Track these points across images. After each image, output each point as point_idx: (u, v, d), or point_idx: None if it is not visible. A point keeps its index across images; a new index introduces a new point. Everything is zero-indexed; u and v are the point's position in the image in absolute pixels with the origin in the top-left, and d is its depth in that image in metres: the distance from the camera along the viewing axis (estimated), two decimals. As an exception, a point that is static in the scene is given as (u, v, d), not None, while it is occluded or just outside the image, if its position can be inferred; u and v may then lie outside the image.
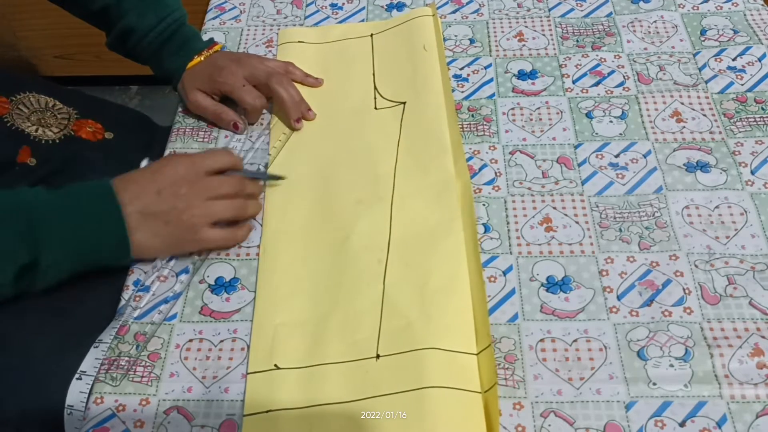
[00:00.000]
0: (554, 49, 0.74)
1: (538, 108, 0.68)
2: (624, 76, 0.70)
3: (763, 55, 0.71)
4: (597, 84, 0.70)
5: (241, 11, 0.82)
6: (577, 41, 0.74)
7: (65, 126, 0.64)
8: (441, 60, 0.72)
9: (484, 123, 0.67)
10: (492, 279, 0.56)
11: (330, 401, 0.49)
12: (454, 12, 0.79)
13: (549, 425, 0.48)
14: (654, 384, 0.49)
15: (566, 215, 0.60)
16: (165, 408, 0.50)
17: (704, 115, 0.66)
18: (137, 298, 0.56)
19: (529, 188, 0.62)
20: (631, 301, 0.54)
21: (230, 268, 0.58)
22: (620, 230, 0.58)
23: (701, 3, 0.77)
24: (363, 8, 0.80)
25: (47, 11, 0.75)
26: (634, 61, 0.72)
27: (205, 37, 0.76)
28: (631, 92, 0.69)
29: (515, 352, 0.52)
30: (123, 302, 0.56)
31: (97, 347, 0.53)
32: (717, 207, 0.59)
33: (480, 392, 0.49)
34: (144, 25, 0.68)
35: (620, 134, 0.65)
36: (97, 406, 0.50)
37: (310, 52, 0.75)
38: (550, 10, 0.78)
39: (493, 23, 0.77)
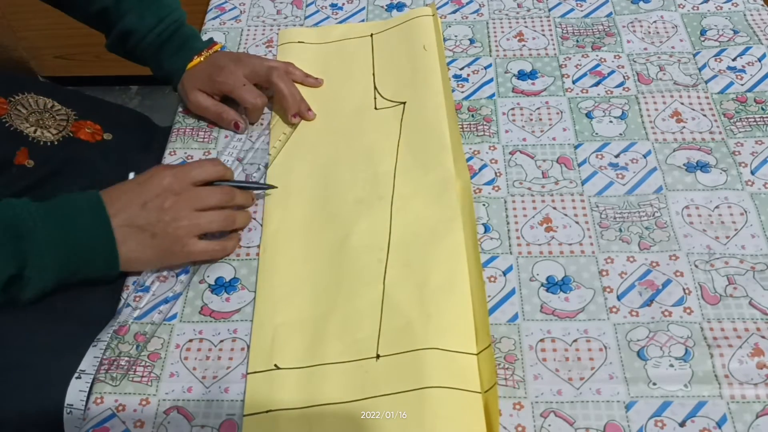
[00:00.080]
0: (554, 49, 0.74)
1: (538, 108, 0.68)
2: (624, 76, 0.70)
3: (763, 55, 0.71)
4: (597, 84, 0.70)
5: (241, 11, 0.82)
6: (577, 41, 0.74)
7: (64, 127, 0.64)
8: (441, 60, 0.72)
9: (484, 123, 0.67)
10: (492, 279, 0.56)
11: (330, 401, 0.49)
12: (454, 12, 0.79)
13: (549, 425, 0.48)
14: (654, 384, 0.49)
15: (566, 215, 0.60)
16: (165, 408, 0.50)
17: (704, 115, 0.66)
18: (137, 299, 0.56)
19: (529, 188, 0.62)
20: (631, 301, 0.54)
21: (230, 268, 0.58)
22: (620, 230, 0.58)
23: (701, 3, 0.77)
24: (363, 8, 0.80)
25: (47, 11, 0.75)
26: (634, 61, 0.72)
27: (204, 37, 0.76)
28: (631, 92, 0.69)
29: (515, 352, 0.52)
30: (122, 302, 0.56)
31: (95, 346, 0.53)
32: (717, 207, 0.59)
33: (480, 392, 0.49)
34: (143, 26, 0.68)
35: (620, 134, 0.65)
36: (97, 406, 0.50)
37: (310, 53, 0.75)
38: (550, 10, 0.78)
39: (493, 23, 0.77)
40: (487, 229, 0.59)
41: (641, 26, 0.75)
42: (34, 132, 0.61)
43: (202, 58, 0.69)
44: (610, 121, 0.67)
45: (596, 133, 0.66)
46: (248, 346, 0.53)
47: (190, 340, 0.54)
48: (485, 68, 0.73)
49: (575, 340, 0.52)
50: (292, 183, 0.63)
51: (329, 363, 0.51)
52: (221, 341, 0.54)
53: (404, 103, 0.68)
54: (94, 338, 0.55)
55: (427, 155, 0.63)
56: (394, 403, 0.49)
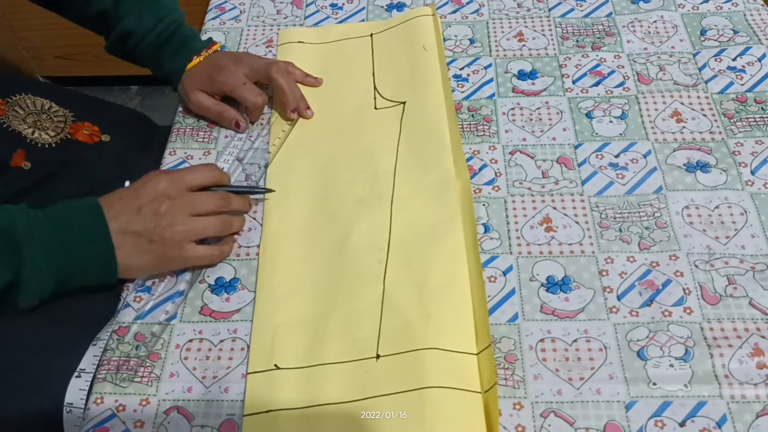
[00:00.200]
0: (554, 49, 0.74)
1: (538, 108, 0.68)
2: (624, 76, 0.70)
3: (763, 55, 0.71)
4: (597, 84, 0.70)
5: (241, 11, 0.82)
6: (577, 41, 0.74)
7: (62, 129, 0.64)
8: (441, 60, 0.72)
9: (484, 123, 0.67)
10: (492, 279, 0.56)
11: (330, 401, 0.49)
12: (454, 12, 0.79)
13: (549, 425, 0.48)
14: (654, 384, 0.49)
15: (566, 215, 0.60)
16: (165, 408, 0.50)
17: (704, 115, 0.66)
18: (137, 299, 0.56)
19: (529, 188, 0.62)
20: (631, 301, 0.54)
21: (230, 268, 0.58)
22: (620, 230, 0.58)
23: (701, 3, 0.77)
24: (363, 8, 0.80)
25: (47, 11, 0.75)
26: (634, 61, 0.72)
27: (204, 37, 0.76)
28: (631, 92, 0.69)
29: (515, 352, 0.52)
30: (122, 302, 0.56)
31: (95, 345, 0.54)
32: (717, 207, 0.59)
33: (480, 392, 0.49)
34: (142, 27, 0.68)
35: (620, 134, 0.65)
36: (97, 406, 0.50)
37: (310, 52, 0.75)
38: (550, 10, 0.78)
39: (493, 23, 0.77)
40: (487, 229, 0.59)
41: (641, 26, 0.75)
42: (32, 134, 0.61)
43: (201, 58, 0.69)
44: (610, 121, 0.67)
45: (596, 133, 0.66)
46: (248, 346, 0.53)
47: (190, 340, 0.54)
48: (485, 68, 0.73)
49: (575, 340, 0.52)
50: (292, 183, 0.63)
51: (329, 363, 0.51)
52: (221, 341, 0.54)
53: (404, 103, 0.68)
54: (93, 338, 0.55)
55: (427, 155, 0.63)
56: (394, 403, 0.49)
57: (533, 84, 0.71)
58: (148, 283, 0.57)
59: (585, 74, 0.71)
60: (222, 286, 0.57)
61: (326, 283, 0.56)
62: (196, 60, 0.69)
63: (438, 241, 0.57)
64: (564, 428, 0.48)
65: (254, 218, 0.61)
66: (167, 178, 0.56)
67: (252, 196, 0.62)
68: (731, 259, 0.56)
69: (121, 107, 0.78)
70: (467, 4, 0.80)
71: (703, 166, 0.62)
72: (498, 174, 0.63)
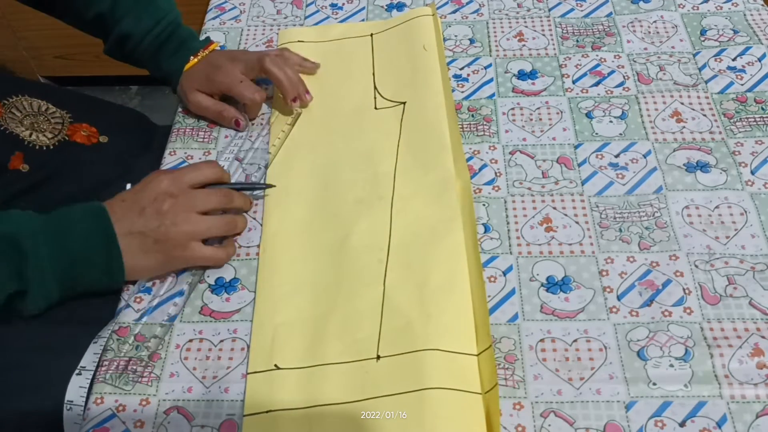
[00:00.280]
0: (554, 49, 0.74)
1: (538, 108, 0.68)
2: (624, 76, 0.70)
3: (763, 55, 0.71)
4: (597, 84, 0.70)
5: (241, 11, 0.82)
6: (577, 41, 0.74)
7: (59, 131, 0.63)
8: (441, 60, 0.72)
9: (484, 123, 0.67)
10: (492, 279, 0.56)
11: (330, 402, 0.49)
12: (454, 12, 0.79)
13: (549, 425, 0.48)
14: (654, 384, 0.49)
15: (566, 215, 0.60)
16: (165, 408, 0.50)
17: (704, 115, 0.66)
18: (138, 300, 0.56)
19: (529, 188, 0.62)
20: (631, 301, 0.54)
21: (230, 268, 0.58)
22: (620, 230, 0.58)
23: (701, 3, 0.77)
24: (363, 8, 0.80)
25: (47, 12, 0.75)
26: (634, 61, 0.72)
27: (204, 37, 0.76)
28: (631, 92, 0.69)
29: (515, 352, 0.52)
30: (122, 303, 0.56)
31: (96, 342, 0.54)
32: (717, 207, 0.59)
33: (480, 393, 0.49)
34: (140, 29, 0.68)
35: (620, 134, 0.65)
36: (97, 406, 0.50)
37: (309, 51, 0.75)
38: (550, 10, 0.78)
39: (493, 23, 0.77)
40: (487, 229, 0.59)
41: (641, 26, 0.75)
42: (30, 136, 0.61)
43: (198, 59, 0.69)
44: (610, 121, 0.67)
45: (596, 133, 0.66)
46: (248, 346, 0.53)
47: (190, 340, 0.54)
48: (485, 68, 0.73)
49: (575, 340, 0.52)
50: (292, 183, 0.63)
51: (329, 363, 0.51)
52: (221, 341, 0.54)
53: (404, 103, 0.68)
54: (91, 339, 0.55)
55: (427, 155, 0.63)
56: (395, 403, 0.49)
57: (533, 84, 0.71)
58: (149, 283, 0.57)
59: (585, 74, 0.71)
60: (222, 286, 0.57)
61: (326, 283, 0.56)
62: (193, 60, 0.69)
63: (438, 242, 0.57)
64: (564, 428, 0.48)
65: (254, 218, 0.61)
66: (168, 177, 0.56)
67: (252, 195, 0.62)
68: (731, 259, 0.56)
69: (119, 107, 0.78)
70: (467, 4, 0.80)
71: (703, 166, 0.62)
72: (498, 174, 0.63)
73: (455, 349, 0.51)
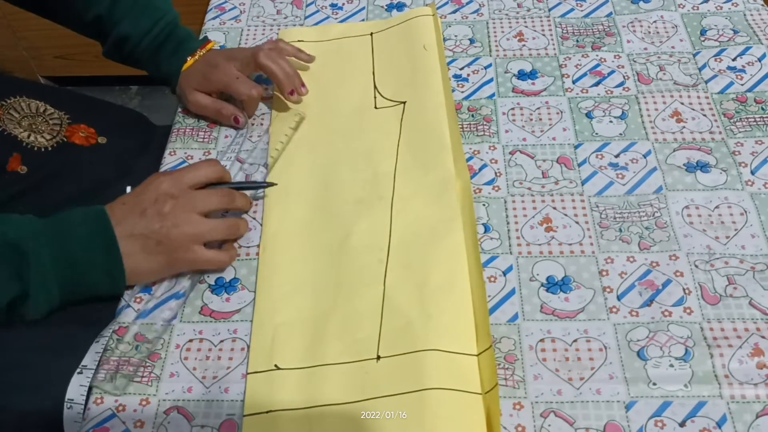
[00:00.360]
0: (554, 49, 0.74)
1: (538, 108, 0.68)
2: (624, 76, 0.70)
3: (763, 55, 0.71)
4: (597, 84, 0.70)
5: (241, 11, 0.82)
6: (577, 41, 0.74)
7: (57, 132, 0.63)
8: (441, 60, 0.72)
9: (484, 123, 0.67)
10: (492, 279, 0.56)
11: (330, 402, 0.49)
12: (454, 12, 0.79)
13: (549, 425, 0.48)
14: (654, 384, 0.49)
15: (566, 215, 0.60)
16: (165, 408, 0.50)
17: (704, 115, 0.66)
18: (138, 300, 0.56)
19: (529, 188, 0.62)
20: (631, 301, 0.54)
21: (230, 268, 0.58)
22: (620, 230, 0.58)
23: (701, 3, 0.77)
24: (363, 8, 0.80)
25: (47, 12, 0.75)
26: (634, 61, 0.72)
27: (202, 37, 0.76)
28: (631, 92, 0.69)
29: (515, 352, 0.52)
30: (123, 303, 0.56)
31: (98, 342, 0.54)
32: (717, 207, 0.59)
33: (481, 394, 0.49)
34: (138, 30, 0.68)
35: (620, 134, 0.65)
36: (97, 406, 0.50)
37: (309, 51, 0.75)
38: (550, 10, 0.78)
39: (493, 23, 0.77)
40: (487, 229, 0.59)
41: (641, 26, 0.75)
42: (28, 137, 0.61)
43: (196, 58, 0.69)
44: (610, 121, 0.67)
45: (596, 133, 0.66)
46: (248, 346, 0.53)
47: (190, 340, 0.54)
48: (485, 68, 0.73)
49: (575, 340, 0.52)
50: (292, 183, 0.63)
51: (329, 364, 0.51)
52: (221, 341, 0.54)
53: (404, 102, 0.68)
54: (92, 339, 0.55)
55: (427, 155, 0.63)
56: (395, 404, 0.49)
57: (533, 84, 0.71)
58: (149, 283, 0.57)
59: (585, 74, 0.71)
60: (222, 286, 0.57)
61: (326, 283, 0.56)
62: (190, 60, 0.69)
63: (438, 241, 0.57)
64: (564, 428, 0.48)
65: (254, 218, 0.61)
66: (168, 178, 0.56)
67: (253, 196, 0.62)
68: (731, 259, 0.56)
69: (118, 107, 0.78)
70: (467, 4, 0.80)
71: (703, 166, 0.62)
72: (498, 174, 0.63)
73: (455, 349, 0.51)
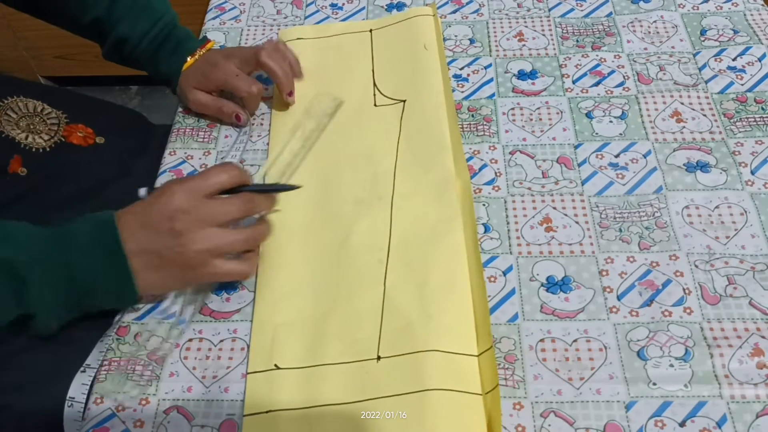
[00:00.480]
0: (554, 49, 0.74)
1: (538, 108, 0.68)
2: (624, 76, 0.70)
3: (763, 55, 0.71)
4: (597, 84, 0.70)
5: (241, 11, 0.82)
6: (577, 41, 0.74)
7: (55, 132, 0.63)
8: (441, 60, 0.72)
9: (484, 123, 0.67)
10: (492, 279, 0.56)
11: (330, 402, 0.49)
12: (454, 12, 0.79)
13: (549, 425, 0.48)
14: (654, 384, 0.49)
15: (566, 215, 0.60)
16: (165, 408, 0.50)
17: (704, 115, 0.66)
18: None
19: (529, 188, 0.62)
20: (631, 301, 0.54)
21: (230, 268, 0.58)
22: (620, 230, 0.58)
23: (701, 3, 0.77)
24: (363, 8, 0.80)
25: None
26: (634, 61, 0.72)
27: (202, 37, 0.76)
28: (631, 92, 0.69)
29: (515, 352, 0.52)
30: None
31: (102, 341, 0.54)
32: (717, 207, 0.59)
33: (481, 394, 0.49)
34: (137, 32, 0.68)
35: (620, 134, 0.65)
36: (97, 406, 0.50)
37: (309, 49, 0.75)
38: (550, 10, 0.78)
39: (493, 23, 0.77)
40: (487, 229, 0.59)
41: (641, 26, 0.75)
42: (26, 138, 0.60)
43: (195, 58, 0.69)
44: (610, 121, 0.67)
45: (596, 133, 0.66)
46: (248, 346, 0.53)
47: (190, 340, 0.54)
48: (485, 68, 0.73)
49: (575, 340, 0.52)
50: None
51: (329, 363, 0.51)
52: (221, 341, 0.54)
53: (404, 101, 0.68)
54: (94, 339, 0.55)
55: (427, 154, 0.63)
56: (395, 404, 0.49)
57: (533, 84, 0.71)
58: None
59: (585, 74, 0.71)
60: (222, 286, 0.57)
61: (326, 283, 0.56)
62: (190, 60, 0.69)
63: (438, 241, 0.57)
64: (564, 428, 0.48)
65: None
66: (182, 189, 0.51)
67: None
68: (731, 259, 0.56)
69: (116, 107, 0.78)
70: (467, 4, 0.80)
71: (703, 166, 0.62)
72: (498, 174, 0.63)
73: (455, 349, 0.51)
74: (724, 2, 0.77)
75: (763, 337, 0.51)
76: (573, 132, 0.66)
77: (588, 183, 0.62)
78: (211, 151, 0.67)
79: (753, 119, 0.66)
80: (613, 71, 0.71)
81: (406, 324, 0.53)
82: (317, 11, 0.81)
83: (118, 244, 0.49)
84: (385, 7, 0.80)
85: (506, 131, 0.66)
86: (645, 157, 0.63)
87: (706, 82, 0.69)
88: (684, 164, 0.63)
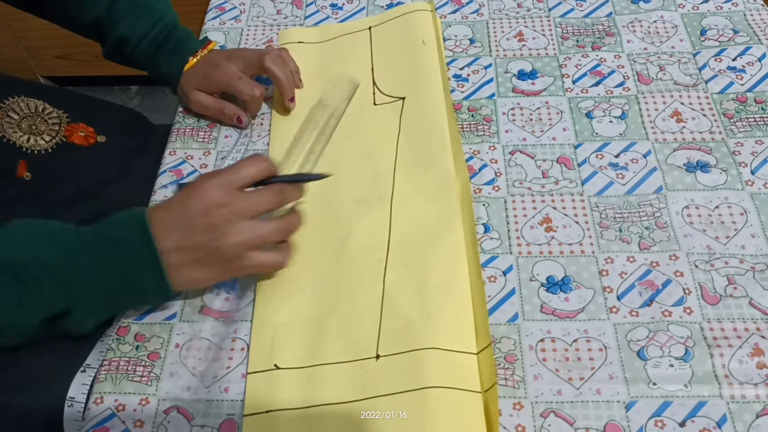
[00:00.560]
0: (554, 49, 0.74)
1: (538, 108, 0.68)
2: (624, 76, 0.70)
3: (763, 55, 0.71)
4: (597, 84, 0.70)
5: (241, 11, 0.82)
6: (577, 41, 0.74)
7: (56, 132, 0.63)
8: (440, 58, 0.72)
9: (484, 123, 0.67)
10: (492, 279, 0.56)
11: (330, 401, 0.49)
12: (454, 12, 0.79)
13: (549, 425, 0.48)
14: (654, 384, 0.49)
15: (566, 215, 0.60)
16: (165, 408, 0.50)
17: (704, 115, 0.66)
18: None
19: (529, 188, 0.62)
20: (631, 301, 0.54)
21: (230, 268, 0.58)
22: (620, 230, 0.58)
23: (701, 3, 0.77)
24: (363, 8, 0.80)
25: (47, 12, 0.75)
26: (634, 61, 0.72)
27: (203, 37, 0.76)
28: (631, 92, 0.69)
29: (515, 352, 0.52)
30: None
31: (102, 341, 0.54)
32: (717, 207, 0.59)
33: (480, 392, 0.49)
34: (137, 32, 0.68)
35: (620, 134, 0.65)
36: (97, 406, 0.50)
37: (310, 52, 0.75)
38: (550, 10, 0.78)
39: (493, 23, 0.77)
40: (487, 229, 0.59)
41: (641, 26, 0.75)
42: (27, 141, 0.60)
43: (197, 58, 0.69)
44: (610, 121, 0.67)
45: (596, 133, 0.66)
46: (248, 346, 0.53)
47: (190, 340, 0.54)
48: (485, 68, 0.73)
49: (575, 340, 0.52)
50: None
51: (329, 363, 0.51)
52: (221, 341, 0.54)
53: (403, 98, 0.68)
54: (94, 339, 0.55)
55: (426, 152, 0.63)
56: (394, 403, 0.49)
57: (533, 84, 0.71)
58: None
59: (585, 74, 0.71)
60: (222, 286, 0.57)
61: (326, 283, 0.56)
62: (192, 60, 0.69)
63: (438, 241, 0.57)
64: (564, 428, 0.48)
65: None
66: (215, 183, 0.51)
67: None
68: (731, 259, 0.56)
69: (116, 107, 0.78)
70: (467, 4, 0.80)
71: (703, 166, 0.62)
72: (498, 174, 0.63)
73: (455, 348, 0.51)
74: (724, 2, 0.77)
75: (763, 337, 0.51)
76: (573, 132, 0.66)
77: (588, 183, 0.62)
78: (211, 151, 0.67)
79: (753, 119, 0.66)
80: (613, 71, 0.71)
81: (405, 324, 0.53)
82: (317, 11, 0.81)
83: (151, 242, 0.49)
84: (385, 7, 0.80)
85: (506, 131, 0.66)
86: (645, 157, 0.63)
87: (706, 82, 0.69)
88: (684, 164, 0.63)
